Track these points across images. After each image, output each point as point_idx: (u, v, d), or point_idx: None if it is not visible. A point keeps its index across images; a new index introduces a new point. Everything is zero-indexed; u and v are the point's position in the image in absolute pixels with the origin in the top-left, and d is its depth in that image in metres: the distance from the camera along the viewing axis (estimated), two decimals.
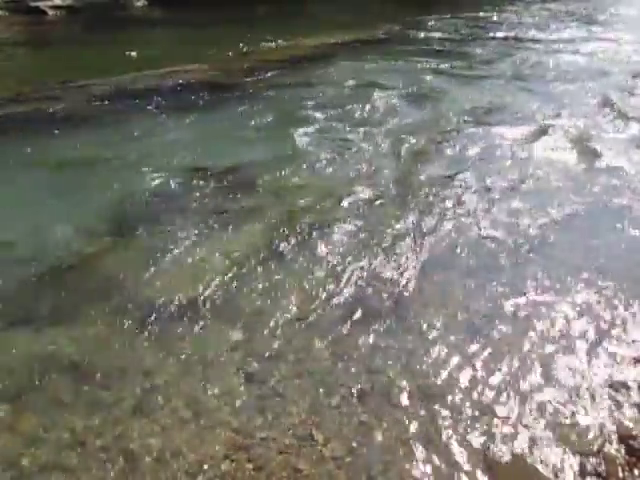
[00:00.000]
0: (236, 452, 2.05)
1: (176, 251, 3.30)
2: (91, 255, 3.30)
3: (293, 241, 3.39)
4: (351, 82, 6.90)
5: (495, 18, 12.34)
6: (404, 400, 2.26)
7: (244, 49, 9.28)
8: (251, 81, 7.24)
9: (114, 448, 2.08)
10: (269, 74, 7.54)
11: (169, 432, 2.14)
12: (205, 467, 2.00)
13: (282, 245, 3.35)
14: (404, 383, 2.34)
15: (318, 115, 5.70)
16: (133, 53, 8.98)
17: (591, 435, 2.11)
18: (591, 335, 2.61)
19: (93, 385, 2.36)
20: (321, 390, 2.32)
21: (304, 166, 4.49)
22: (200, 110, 6.07)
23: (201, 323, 2.71)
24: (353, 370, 2.42)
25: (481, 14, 12.74)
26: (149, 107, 6.19)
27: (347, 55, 8.71)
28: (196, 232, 3.50)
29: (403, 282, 2.99)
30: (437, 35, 10.35)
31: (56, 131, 5.48)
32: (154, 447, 2.08)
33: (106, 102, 6.42)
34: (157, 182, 4.20)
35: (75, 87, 7.14)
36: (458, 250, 3.29)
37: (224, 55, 8.84)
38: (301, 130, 5.23)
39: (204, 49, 9.18)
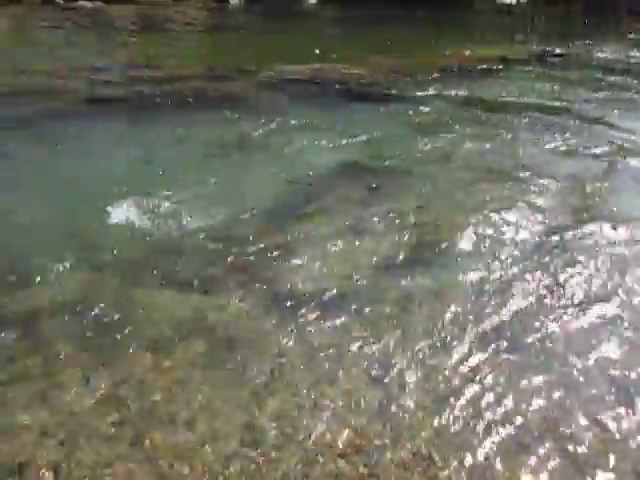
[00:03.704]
0: (353, 453, 2.02)
1: (324, 242, 3.35)
2: (240, 233, 3.45)
3: (439, 247, 3.33)
4: None
5: None
6: (532, 442, 2.09)
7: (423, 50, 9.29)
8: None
9: (237, 419, 2.14)
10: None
11: (289, 416, 2.16)
12: (320, 460, 1.99)
13: (427, 251, 3.29)
14: (538, 424, 2.17)
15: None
16: (316, 50, 9.24)
17: None
18: None
19: (227, 354, 2.46)
20: (449, 410, 2.22)
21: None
22: (364, 107, 6.14)
23: (335, 315, 2.71)
24: (487, 397, 2.28)
25: None
26: (316, 99, 6.34)
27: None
28: (345, 226, 3.54)
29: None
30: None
31: (223, 110, 5.84)
32: (273, 427, 2.11)
33: (275, 89, 6.70)
34: (313, 172, 4.31)
35: (246, 71, 7.57)
36: None
37: (394, 54, 8.91)
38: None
39: (375, 47, 9.28)
